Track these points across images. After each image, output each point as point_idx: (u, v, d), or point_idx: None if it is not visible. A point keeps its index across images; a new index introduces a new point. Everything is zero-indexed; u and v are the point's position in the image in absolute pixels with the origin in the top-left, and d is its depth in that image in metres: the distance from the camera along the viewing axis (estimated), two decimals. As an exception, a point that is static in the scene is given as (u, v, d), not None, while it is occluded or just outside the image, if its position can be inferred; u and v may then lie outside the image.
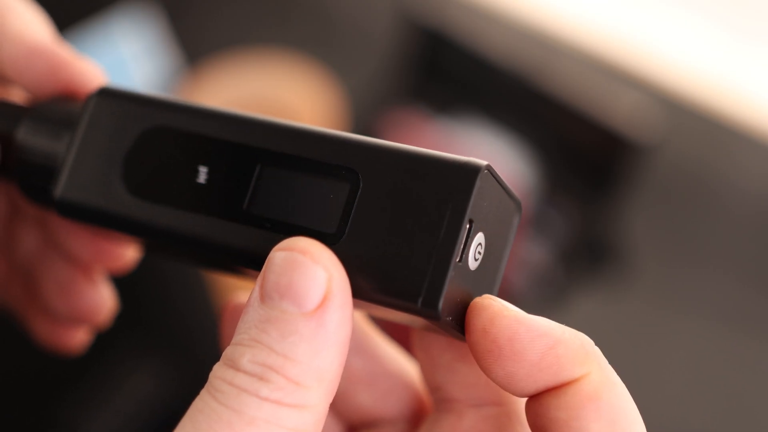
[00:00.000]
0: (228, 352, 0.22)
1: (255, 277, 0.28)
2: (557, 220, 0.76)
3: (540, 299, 0.72)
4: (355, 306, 0.27)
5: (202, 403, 0.22)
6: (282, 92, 0.80)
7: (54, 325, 0.34)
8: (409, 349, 0.29)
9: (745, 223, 0.81)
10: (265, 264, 0.23)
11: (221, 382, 0.22)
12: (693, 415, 0.72)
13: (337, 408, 0.29)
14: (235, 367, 0.22)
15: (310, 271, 0.22)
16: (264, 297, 0.22)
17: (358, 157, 0.24)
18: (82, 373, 0.65)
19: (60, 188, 0.27)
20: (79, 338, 0.35)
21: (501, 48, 0.79)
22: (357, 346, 0.28)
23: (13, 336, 0.37)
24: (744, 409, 0.73)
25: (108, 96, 0.28)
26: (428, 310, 0.22)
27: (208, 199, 0.25)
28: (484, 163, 0.23)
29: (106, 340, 0.66)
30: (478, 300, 0.23)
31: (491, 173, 0.23)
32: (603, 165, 0.75)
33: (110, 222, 0.27)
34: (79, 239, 0.31)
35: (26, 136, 0.29)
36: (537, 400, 0.23)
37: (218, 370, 0.22)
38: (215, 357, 0.24)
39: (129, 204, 0.26)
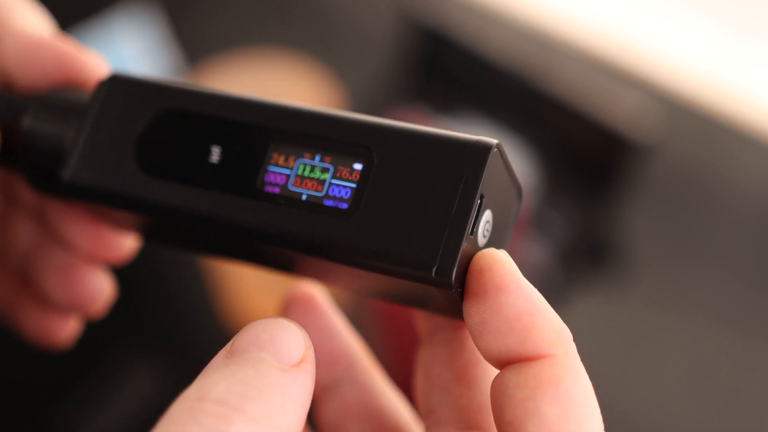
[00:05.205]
0: (200, 383, 0.22)
1: (261, 259, 0.28)
2: (557, 220, 0.76)
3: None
4: (364, 288, 0.27)
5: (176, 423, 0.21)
6: (282, 92, 0.80)
7: (44, 318, 0.34)
8: (408, 379, 0.29)
9: (745, 223, 0.81)
10: (240, 330, 0.23)
11: (197, 405, 0.21)
12: (693, 415, 0.72)
13: None
14: (208, 395, 0.21)
15: (294, 332, 0.23)
16: (236, 351, 0.23)
17: (371, 135, 0.25)
18: (82, 373, 0.65)
19: (70, 169, 0.28)
20: (68, 331, 0.35)
21: (501, 48, 0.79)
22: (354, 378, 0.29)
23: (13, 337, 0.37)
24: (744, 409, 0.73)
25: (119, 81, 0.28)
26: (442, 278, 0.23)
27: (222, 178, 0.26)
28: (495, 141, 0.24)
29: (105, 340, 0.66)
30: (487, 249, 0.24)
31: (501, 152, 0.24)
32: (603, 165, 0.75)
33: (122, 200, 0.27)
34: (78, 228, 0.32)
35: (34, 121, 0.30)
36: (500, 378, 0.23)
37: (192, 393, 0.22)
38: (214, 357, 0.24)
39: (142, 182, 0.27)
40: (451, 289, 0.23)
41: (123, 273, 0.37)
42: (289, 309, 0.30)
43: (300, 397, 0.22)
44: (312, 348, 0.23)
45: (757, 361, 0.75)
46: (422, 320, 0.28)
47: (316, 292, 0.30)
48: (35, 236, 0.33)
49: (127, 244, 0.32)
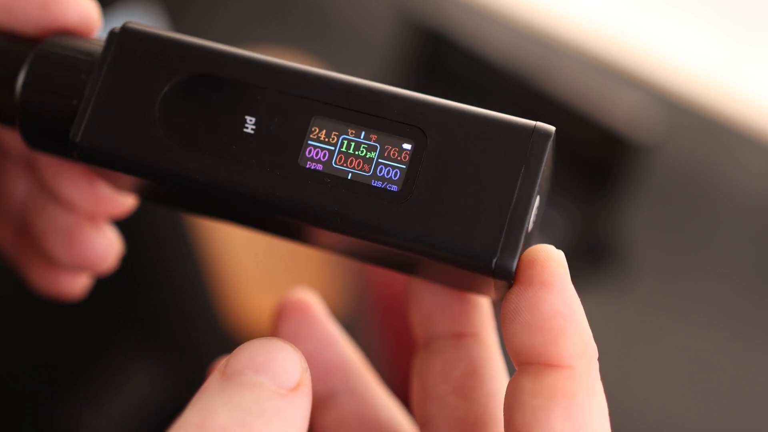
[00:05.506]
0: (199, 409, 0.22)
1: (276, 230, 0.26)
2: (557, 220, 0.76)
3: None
4: (383, 262, 0.26)
5: None
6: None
7: (53, 274, 0.32)
8: (405, 387, 0.29)
9: (745, 223, 0.81)
10: (235, 350, 0.23)
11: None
12: (693, 415, 0.72)
13: None
14: (209, 423, 0.21)
15: (291, 355, 0.22)
16: (232, 374, 0.22)
17: (423, 115, 0.24)
18: (81, 372, 0.65)
19: (82, 131, 0.25)
20: (79, 286, 0.33)
21: (501, 48, 0.79)
22: (351, 388, 0.28)
23: (12, 335, 0.37)
24: (744, 409, 0.73)
25: (135, 35, 0.26)
26: (502, 271, 0.22)
27: (258, 151, 0.24)
28: (553, 127, 0.23)
29: (106, 338, 0.66)
30: (544, 244, 0.23)
31: (554, 139, 0.24)
32: (603, 165, 0.75)
33: (144, 168, 0.25)
34: (75, 187, 0.30)
35: (32, 74, 0.26)
36: (515, 381, 0.23)
37: (192, 419, 0.21)
38: (215, 358, 0.23)
39: (165, 149, 0.24)
40: (510, 280, 0.23)
41: (125, 272, 0.37)
42: (283, 317, 0.29)
43: (298, 422, 0.22)
44: (308, 370, 0.23)
45: (757, 361, 0.75)
46: (419, 328, 0.28)
47: (310, 300, 0.29)
48: (33, 192, 0.31)
49: (126, 201, 0.31)
